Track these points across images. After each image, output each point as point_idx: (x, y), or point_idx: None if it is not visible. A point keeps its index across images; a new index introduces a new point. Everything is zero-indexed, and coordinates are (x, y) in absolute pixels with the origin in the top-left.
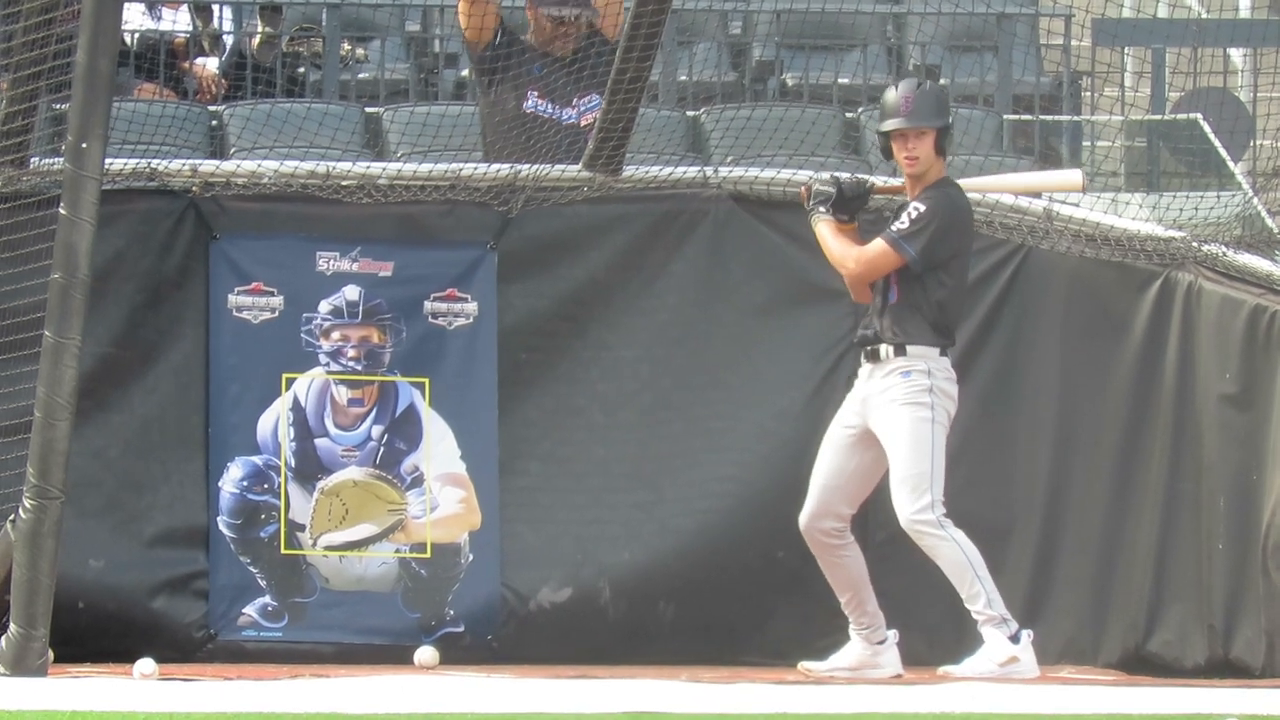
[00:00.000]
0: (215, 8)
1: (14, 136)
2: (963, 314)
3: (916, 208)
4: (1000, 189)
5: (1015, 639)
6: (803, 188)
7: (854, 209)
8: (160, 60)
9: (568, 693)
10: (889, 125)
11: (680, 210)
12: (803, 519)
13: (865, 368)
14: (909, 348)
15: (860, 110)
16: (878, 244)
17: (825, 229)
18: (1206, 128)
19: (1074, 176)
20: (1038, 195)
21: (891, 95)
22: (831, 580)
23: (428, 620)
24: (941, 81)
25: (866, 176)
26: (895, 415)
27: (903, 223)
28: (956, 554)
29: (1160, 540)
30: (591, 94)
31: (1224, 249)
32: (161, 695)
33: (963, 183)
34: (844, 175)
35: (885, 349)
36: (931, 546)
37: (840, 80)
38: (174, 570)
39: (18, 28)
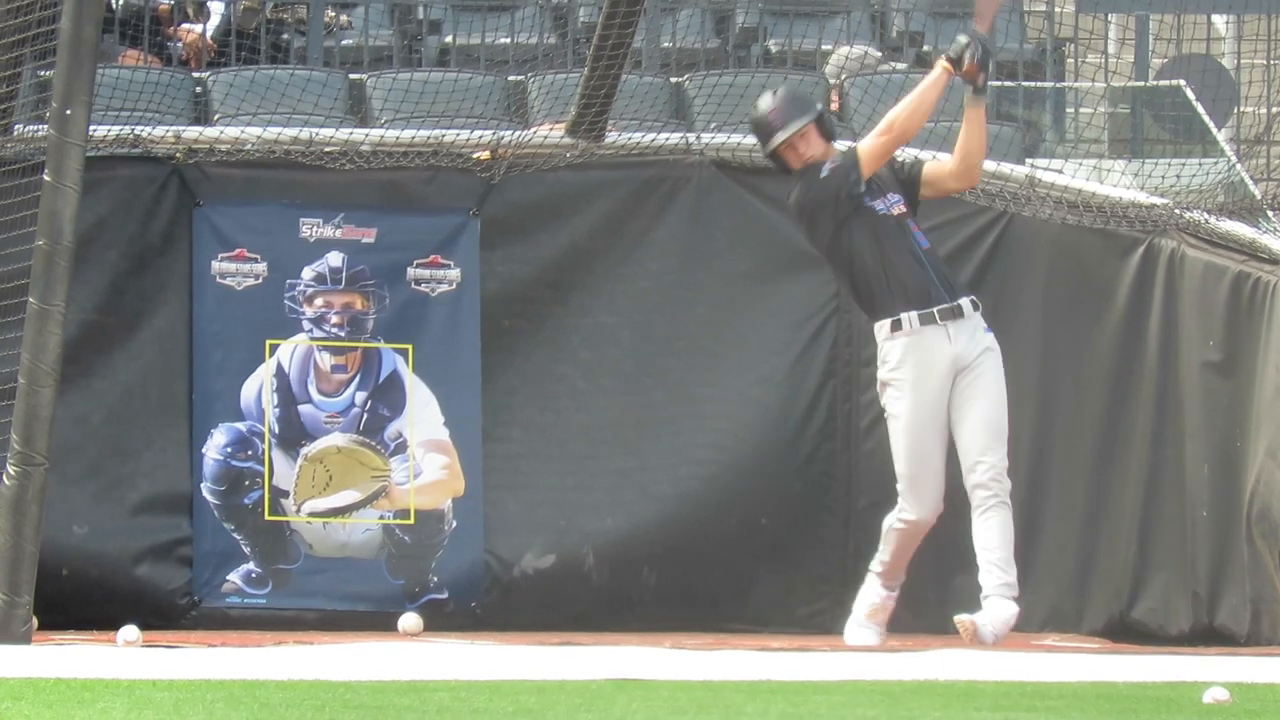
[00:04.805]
0: None
1: None
2: None
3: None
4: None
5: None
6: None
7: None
8: (145, 26)
9: (551, 660)
10: (776, 143)
11: (663, 177)
12: (928, 514)
13: (944, 328)
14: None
15: (844, 77)
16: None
17: (937, 77)
18: (1190, 94)
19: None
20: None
21: (759, 116)
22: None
23: (411, 587)
24: (925, 48)
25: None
26: (993, 365)
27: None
28: (1010, 516)
29: (1144, 508)
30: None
31: (1207, 216)
32: (145, 662)
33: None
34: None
35: (965, 304)
36: (1002, 502)
37: (824, 47)
38: (157, 537)
39: None
